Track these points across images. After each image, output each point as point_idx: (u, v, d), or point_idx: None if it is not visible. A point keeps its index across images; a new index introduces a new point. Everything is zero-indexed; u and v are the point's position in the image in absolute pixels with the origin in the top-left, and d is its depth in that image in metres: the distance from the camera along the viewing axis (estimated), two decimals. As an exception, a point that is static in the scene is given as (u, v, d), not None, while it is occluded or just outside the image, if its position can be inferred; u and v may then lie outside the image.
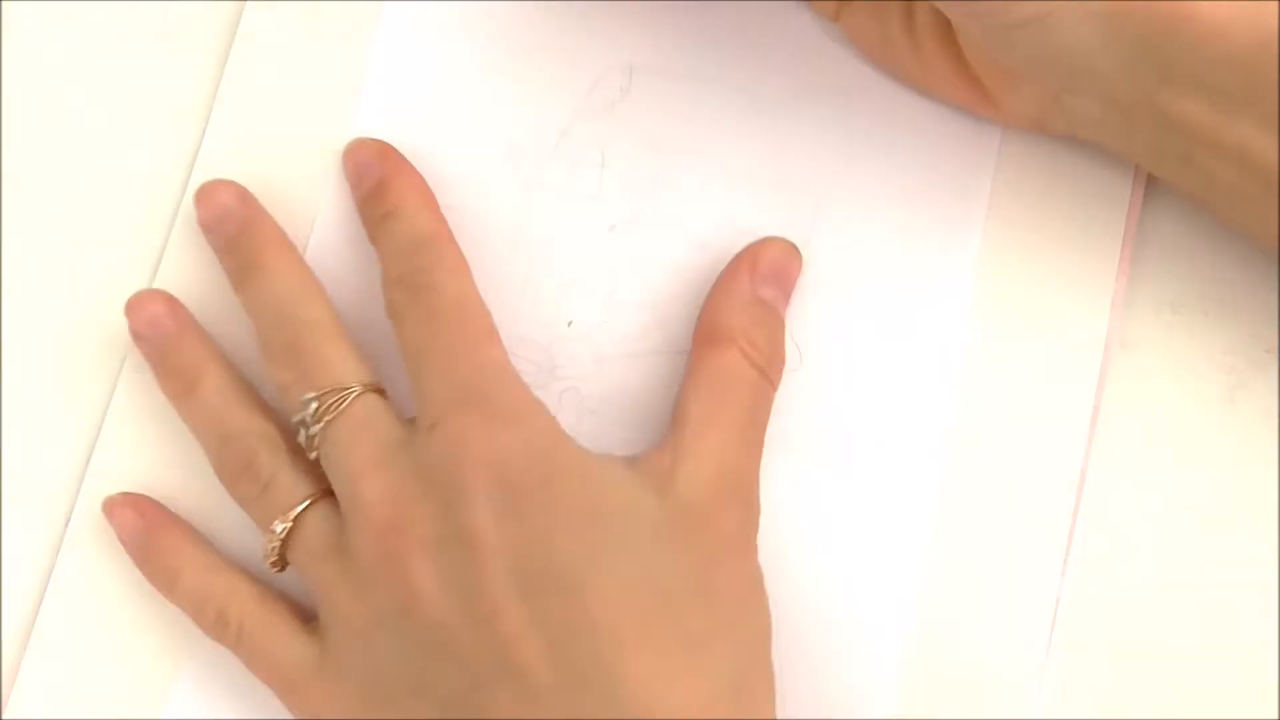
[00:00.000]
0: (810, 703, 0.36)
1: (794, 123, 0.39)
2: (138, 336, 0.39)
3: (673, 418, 0.36)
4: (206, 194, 0.39)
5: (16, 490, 0.39)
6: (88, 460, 0.39)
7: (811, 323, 0.38)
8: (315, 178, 0.40)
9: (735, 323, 0.36)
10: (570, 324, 0.38)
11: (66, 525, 0.39)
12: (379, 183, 0.38)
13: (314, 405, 0.35)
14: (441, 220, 0.38)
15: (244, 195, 0.39)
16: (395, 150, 0.39)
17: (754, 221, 0.38)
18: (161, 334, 0.39)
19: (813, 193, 0.39)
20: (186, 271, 0.40)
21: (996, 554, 0.37)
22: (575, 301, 0.38)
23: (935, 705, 0.36)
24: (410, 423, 0.36)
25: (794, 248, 0.38)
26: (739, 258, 0.38)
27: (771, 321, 0.37)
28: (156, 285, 0.40)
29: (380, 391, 0.36)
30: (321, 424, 0.35)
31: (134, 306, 0.39)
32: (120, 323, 0.39)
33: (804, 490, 0.37)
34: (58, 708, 0.38)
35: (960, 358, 0.38)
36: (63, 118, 0.41)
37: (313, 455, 0.36)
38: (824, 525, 0.37)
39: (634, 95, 0.39)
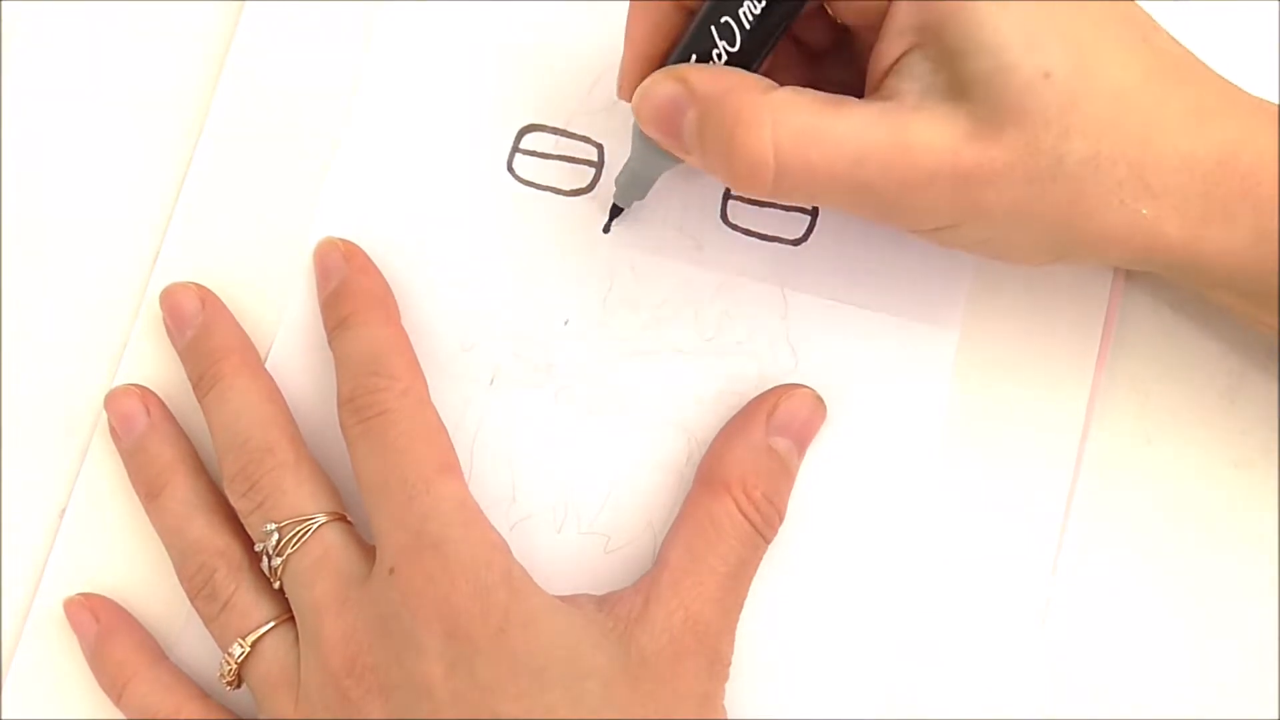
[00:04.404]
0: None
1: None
2: (112, 432, 0.39)
3: (657, 555, 0.35)
4: (168, 298, 0.39)
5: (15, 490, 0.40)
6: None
7: (808, 323, 0.38)
8: (315, 176, 0.40)
9: (737, 470, 0.35)
10: (566, 323, 0.38)
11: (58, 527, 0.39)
12: (340, 286, 0.38)
13: (275, 537, 0.35)
14: (398, 332, 0.37)
15: (206, 298, 0.39)
16: (361, 252, 0.39)
17: (750, 223, 0.38)
18: (133, 434, 0.38)
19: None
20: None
21: (987, 552, 0.37)
22: (571, 300, 0.38)
23: (929, 707, 0.36)
24: (371, 553, 0.35)
25: (819, 399, 0.37)
26: (758, 401, 0.37)
27: (777, 474, 0.36)
28: (150, 296, 0.40)
29: (342, 518, 0.36)
30: (283, 557, 0.35)
31: (110, 401, 0.39)
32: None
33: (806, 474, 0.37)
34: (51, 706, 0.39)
35: (954, 355, 0.37)
36: (62, 118, 0.41)
37: (276, 585, 0.36)
38: (817, 515, 0.37)
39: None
